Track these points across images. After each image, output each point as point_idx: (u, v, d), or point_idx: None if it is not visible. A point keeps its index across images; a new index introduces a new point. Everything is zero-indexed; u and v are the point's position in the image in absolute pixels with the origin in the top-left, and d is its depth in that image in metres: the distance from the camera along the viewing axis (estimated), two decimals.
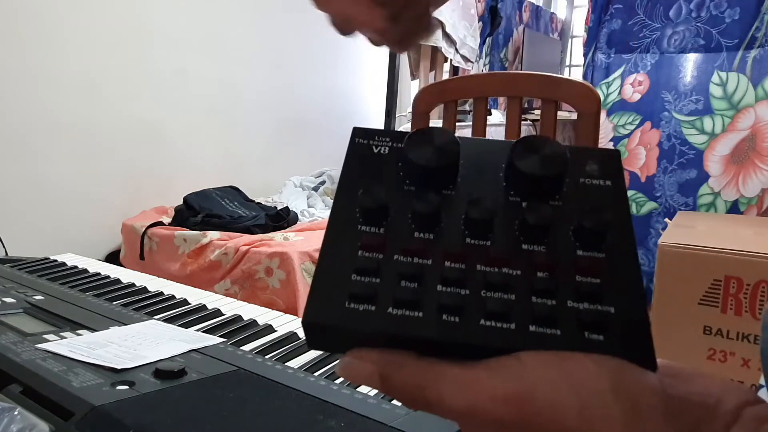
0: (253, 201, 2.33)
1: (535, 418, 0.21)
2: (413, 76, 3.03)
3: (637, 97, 2.17)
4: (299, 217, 2.22)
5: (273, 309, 0.76)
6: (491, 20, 3.10)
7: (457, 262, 0.24)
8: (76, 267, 0.90)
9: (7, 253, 1.37)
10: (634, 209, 2.13)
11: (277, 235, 1.91)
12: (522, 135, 1.19)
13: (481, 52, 3.08)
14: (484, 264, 0.24)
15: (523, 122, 1.75)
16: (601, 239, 0.25)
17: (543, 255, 0.25)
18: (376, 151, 0.29)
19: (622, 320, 0.23)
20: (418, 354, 0.23)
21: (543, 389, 0.21)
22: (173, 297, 0.77)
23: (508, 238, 0.25)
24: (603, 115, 2.15)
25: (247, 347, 0.60)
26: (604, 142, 2.24)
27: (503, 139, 1.26)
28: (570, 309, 0.23)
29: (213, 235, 1.88)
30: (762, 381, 0.40)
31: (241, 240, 1.83)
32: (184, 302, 0.76)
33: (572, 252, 0.25)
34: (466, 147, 0.28)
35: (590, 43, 2.30)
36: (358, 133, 0.30)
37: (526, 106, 2.81)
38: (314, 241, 1.82)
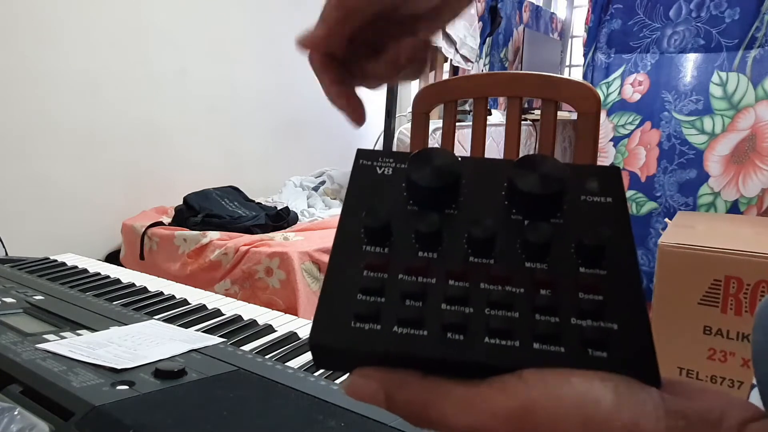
0: (253, 201, 2.33)
1: None
2: None
3: (637, 97, 2.17)
4: (299, 217, 2.22)
5: (273, 309, 0.76)
6: (491, 20, 3.10)
7: (460, 280, 0.25)
8: (76, 267, 0.90)
9: (7, 253, 1.37)
10: (634, 209, 2.13)
11: (277, 235, 1.91)
12: (522, 135, 1.19)
13: (481, 52, 3.09)
14: (487, 282, 0.25)
15: (523, 122, 1.75)
16: (602, 256, 0.25)
17: (545, 273, 0.25)
18: (380, 172, 0.29)
19: (626, 337, 0.23)
20: (423, 372, 0.23)
21: (544, 405, 0.21)
22: (173, 297, 0.77)
23: (510, 257, 0.25)
24: (603, 115, 2.15)
25: (247, 347, 0.60)
26: (604, 142, 2.24)
27: (503, 139, 1.26)
28: (573, 326, 0.23)
29: (213, 235, 1.88)
30: (755, 381, 0.40)
31: (241, 240, 1.83)
32: (184, 302, 0.76)
33: (574, 269, 0.25)
34: (467, 167, 0.28)
35: (590, 43, 2.30)
36: (362, 154, 0.30)
37: (526, 106, 2.81)
38: (314, 241, 1.82)
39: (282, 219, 2.11)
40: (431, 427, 0.23)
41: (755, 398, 0.40)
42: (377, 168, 0.29)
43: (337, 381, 0.51)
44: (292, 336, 0.66)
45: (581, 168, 0.28)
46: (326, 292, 0.25)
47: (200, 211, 2.06)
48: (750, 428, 0.21)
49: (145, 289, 0.80)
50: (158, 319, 0.67)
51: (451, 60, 2.92)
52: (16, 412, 0.41)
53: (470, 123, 1.20)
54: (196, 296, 0.80)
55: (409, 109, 1.36)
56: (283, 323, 0.71)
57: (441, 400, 0.22)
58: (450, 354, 0.23)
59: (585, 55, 2.35)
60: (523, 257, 0.25)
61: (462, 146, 2.13)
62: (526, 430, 0.21)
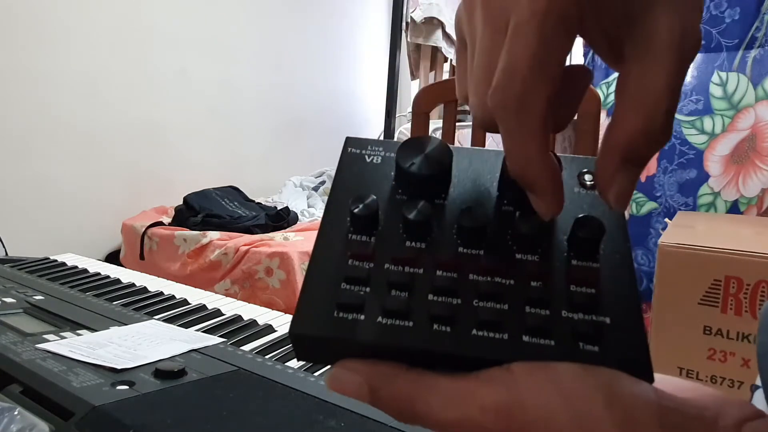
0: (253, 201, 2.33)
1: (527, 429, 0.20)
2: (413, 76, 3.03)
3: None
4: (299, 217, 2.22)
5: (273, 309, 0.76)
6: None
7: (448, 271, 0.24)
8: (76, 267, 0.90)
9: (7, 253, 1.37)
10: (634, 209, 2.13)
11: (277, 235, 1.91)
12: None
13: None
14: (476, 273, 0.24)
15: None
16: (595, 249, 0.25)
17: (536, 265, 0.24)
18: (368, 160, 0.28)
19: (618, 331, 0.23)
20: (409, 365, 0.23)
21: (534, 399, 0.20)
22: (173, 297, 0.77)
23: (501, 248, 0.25)
24: (603, 115, 2.15)
25: (247, 347, 0.60)
26: None
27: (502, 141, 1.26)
28: (564, 319, 0.23)
29: (213, 235, 1.88)
30: (758, 381, 0.40)
31: (241, 240, 1.83)
32: (184, 302, 0.76)
33: (566, 262, 0.24)
34: (458, 156, 0.28)
35: None
36: (350, 142, 0.29)
37: None
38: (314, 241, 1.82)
39: (282, 219, 2.11)
40: (417, 422, 0.22)
41: (758, 399, 0.40)
42: (366, 156, 0.28)
43: None
44: None
45: (575, 159, 0.28)
46: (309, 281, 0.24)
47: (200, 211, 2.06)
48: (747, 427, 0.21)
49: (145, 289, 0.80)
50: (158, 319, 0.67)
51: (451, 60, 2.92)
52: (16, 412, 0.41)
53: (470, 123, 1.20)
54: (196, 296, 0.80)
55: (409, 109, 1.36)
56: (283, 323, 0.71)
57: (427, 394, 0.22)
58: (436, 346, 0.22)
59: (585, 56, 2.35)
60: (514, 249, 0.25)
61: (460, 146, 2.12)
62: (515, 425, 0.21)
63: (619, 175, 0.23)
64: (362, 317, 0.23)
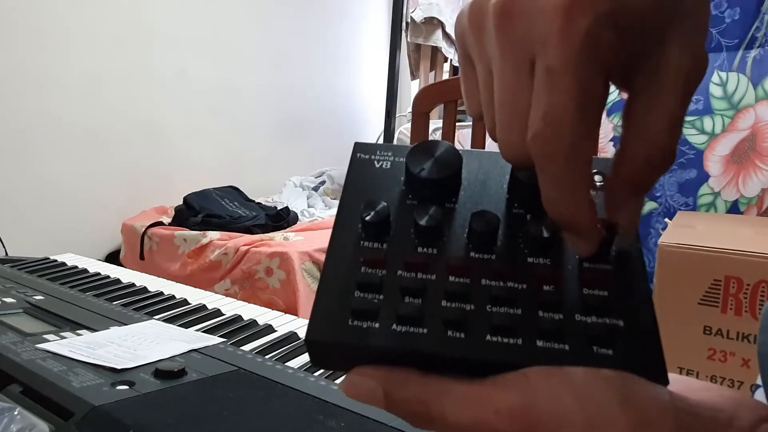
0: (253, 201, 2.33)
1: None
2: (413, 76, 3.03)
3: None
4: (299, 217, 2.22)
5: (273, 309, 0.76)
6: None
7: (461, 276, 0.24)
8: (76, 267, 0.90)
9: (7, 253, 1.37)
10: None
11: (277, 235, 1.91)
12: None
13: None
14: (488, 278, 0.24)
15: None
16: (607, 250, 0.25)
17: (548, 268, 0.24)
18: (378, 165, 0.28)
19: (632, 333, 0.22)
20: (423, 371, 0.23)
21: (548, 402, 0.21)
22: (173, 297, 0.77)
23: (512, 251, 0.25)
24: (603, 115, 2.15)
25: (247, 347, 0.61)
26: (604, 142, 2.24)
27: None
28: (578, 323, 0.23)
29: (213, 235, 1.88)
30: (759, 381, 0.40)
31: (241, 240, 1.83)
32: (184, 302, 0.76)
33: (578, 264, 0.24)
34: (468, 159, 0.28)
35: None
36: (359, 147, 0.29)
37: None
38: (314, 241, 1.82)
39: (282, 219, 2.11)
40: (431, 426, 0.23)
41: (759, 397, 0.40)
42: (375, 161, 0.28)
43: (337, 381, 0.51)
44: (292, 336, 0.66)
45: None
46: (323, 289, 0.24)
47: (200, 211, 2.06)
48: (761, 429, 0.21)
49: (145, 289, 0.80)
50: (158, 319, 0.67)
51: (451, 60, 2.92)
52: (16, 412, 0.41)
53: (470, 123, 1.20)
54: (196, 296, 0.80)
55: (409, 109, 1.36)
56: (283, 323, 0.71)
57: (441, 398, 0.22)
58: (451, 352, 0.22)
59: None
60: (526, 252, 0.25)
61: (462, 146, 2.12)
62: (529, 428, 0.21)
63: (628, 204, 0.24)
64: (377, 324, 0.23)
